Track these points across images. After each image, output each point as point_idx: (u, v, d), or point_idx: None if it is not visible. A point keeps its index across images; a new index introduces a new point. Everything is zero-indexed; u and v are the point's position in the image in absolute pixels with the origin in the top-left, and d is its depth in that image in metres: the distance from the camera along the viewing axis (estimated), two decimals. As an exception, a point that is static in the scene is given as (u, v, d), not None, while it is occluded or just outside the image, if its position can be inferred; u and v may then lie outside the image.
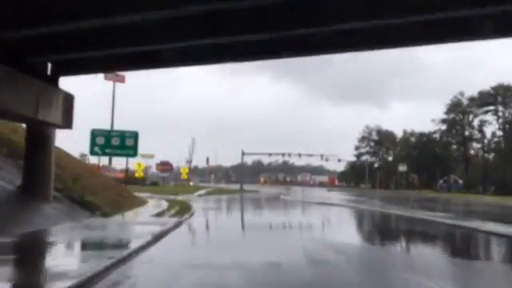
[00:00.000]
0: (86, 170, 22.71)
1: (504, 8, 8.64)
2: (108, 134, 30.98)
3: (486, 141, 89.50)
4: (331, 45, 11.31)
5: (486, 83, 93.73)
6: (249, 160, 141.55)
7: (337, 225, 18.68)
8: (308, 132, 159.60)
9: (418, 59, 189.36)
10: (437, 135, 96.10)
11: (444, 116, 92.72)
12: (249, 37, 10.28)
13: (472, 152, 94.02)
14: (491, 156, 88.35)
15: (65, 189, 15.58)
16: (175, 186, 75.93)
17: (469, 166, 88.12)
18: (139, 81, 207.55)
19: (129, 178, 75.37)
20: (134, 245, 8.82)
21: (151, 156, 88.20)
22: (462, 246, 13.47)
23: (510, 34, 10.45)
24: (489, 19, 9.33)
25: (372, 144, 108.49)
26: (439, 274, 7.95)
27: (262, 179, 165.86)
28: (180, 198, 39.19)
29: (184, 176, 53.98)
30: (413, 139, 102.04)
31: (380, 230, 16.80)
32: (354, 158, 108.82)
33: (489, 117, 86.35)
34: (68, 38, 10.88)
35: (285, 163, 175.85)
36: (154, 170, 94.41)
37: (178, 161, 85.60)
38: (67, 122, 14.50)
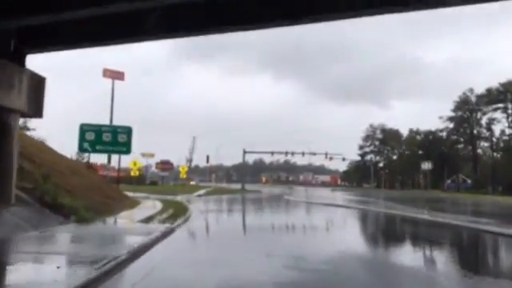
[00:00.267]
0: (70, 167, 20.24)
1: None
2: (98, 130, 28.47)
3: (494, 139, 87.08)
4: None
5: (487, 83, 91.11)
6: (250, 159, 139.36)
7: (353, 230, 16.16)
8: (309, 132, 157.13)
9: (419, 59, 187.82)
10: (443, 133, 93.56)
11: (451, 114, 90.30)
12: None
13: (480, 151, 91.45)
14: (499, 155, 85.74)
15: (35, 189, 13.10)
16: (174, 185, 73.62)
17: (477, 165, 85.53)
18: (140, 80, 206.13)
19: (125, 178, 73.16)
20: (90, 273, 6.14)
21: (151, 155, 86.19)
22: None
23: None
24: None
25: (376, 143, 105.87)
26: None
27: (263, 179, 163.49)
28: (178, 198, 36.74)
29: (183, 175, 51.56)
30: (418, 138, 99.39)
31: (409, 239, 14.29)
32: (356, 158, 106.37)
33: (498, 114, 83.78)
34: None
35: (286, 162, 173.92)
36: (154, 169, 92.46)
37: (179, 160, 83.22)
38: (35, 109, 12.02)
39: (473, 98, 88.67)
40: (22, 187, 12.73)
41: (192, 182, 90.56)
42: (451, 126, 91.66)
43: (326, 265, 8.03)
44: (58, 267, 6.30)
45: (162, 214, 16.98)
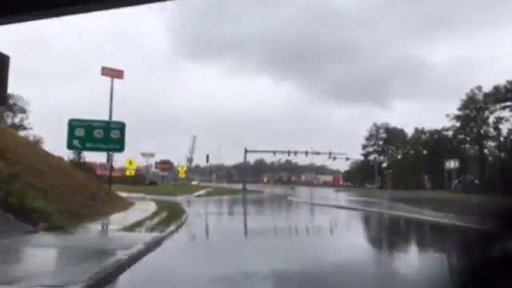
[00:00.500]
0: (53, 165, 18.15)
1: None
2: (89, 125, 26.47)
3: (502, 139, 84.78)
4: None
5: (490, 83, 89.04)
6: (251, 159, 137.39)
7: (376, 239, 14.05)
8: (310, 132, 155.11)
9: (421, 59, 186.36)
10: (449, 132, 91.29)
11: (457, 112, 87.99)
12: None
13: (486, 151, 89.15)
14: (506, 155, 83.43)
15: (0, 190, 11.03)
16: (174, 185, 71.58)
17: (485, 166, 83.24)
18: (141, 80, 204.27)
19: (123, 178, 71.21)
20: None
21: (152, 155, 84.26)
22: None
23: None
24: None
25: (380, 142, 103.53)
26: None
27: (265, 179, 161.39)
28: (175, 199, 34.69)
29: (182, 175, 49.55)
30: (423, 137, 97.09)
31: (437, 247, 12.21)
32: (358, 157, 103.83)
33: (506, 113, 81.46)
34: None
35: (288, 162, 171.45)
36: (154, 169, 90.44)
37: (180, 160, 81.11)
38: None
39: (480, 97, 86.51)
40: (-17, 188, 10.68)
41: (194, 182, 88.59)
42: (457, 124, 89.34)
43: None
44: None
45: (153, 218, 14.91)
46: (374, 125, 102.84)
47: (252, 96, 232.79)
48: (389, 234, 15.25)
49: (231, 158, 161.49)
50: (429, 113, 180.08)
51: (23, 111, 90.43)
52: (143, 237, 9.86)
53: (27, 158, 15.85)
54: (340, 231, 14.87)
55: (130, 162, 35.68)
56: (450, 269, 9.18)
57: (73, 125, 26.24)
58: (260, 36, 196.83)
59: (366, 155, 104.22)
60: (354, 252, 10.56)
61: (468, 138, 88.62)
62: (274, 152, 69.63)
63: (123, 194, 35.01)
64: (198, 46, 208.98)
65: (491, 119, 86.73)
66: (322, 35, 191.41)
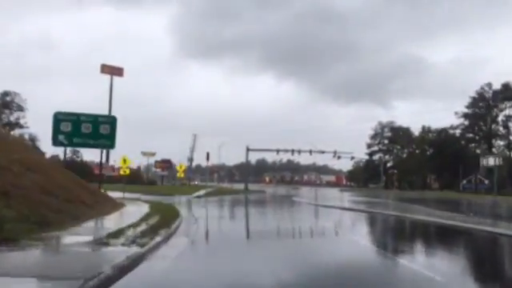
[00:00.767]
0: (28, 163, 15.74)
1: None
2: (76, 119, 24.02)
3: (511, 137, 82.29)
4: None
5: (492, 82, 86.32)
6: (252, 159, 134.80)
7: (405, 251, 11.58)
8: (312, 131, 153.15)
9: (422, 59, 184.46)
10: (457, 131, 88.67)
11: (466, 110, 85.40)
12: None
13: (494, 150, 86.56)
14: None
15: None
16: (173, 185, 69.26)
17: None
18: (142, 80, 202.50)
19: (121, 177, 68.89)
20: None
21: (152, 154, 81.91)
22: None
23: None
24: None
25: (385, 141, 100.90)
26: None
27: (267, 178, 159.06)
28: (172, 200, 32.32)
29: (180, 174, 47.05)
30: (430, 136, 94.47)
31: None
32: (361, 157, 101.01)
33: (515, 111, 79.00)
34: None
35: (289, 162, 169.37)
36: (155, 169, 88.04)
37: (181, 160, 78.64)
38: None
39: (489, 94, 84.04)
40: None
41: (196, 182, 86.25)
42: (466, 123, 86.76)
43: None
44: None
45: (140, 224, 12.49)
46: (379, 123, 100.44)
47: (254, 95, 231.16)
48: (421, 244, 12.77)
49: (232, 157, 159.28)
50: (431, 112, 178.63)
51: (21, 109, 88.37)
52: (119, 253, 7.43)
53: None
54: (357, 239, 12.46)
55: (125, 160, 33.29)
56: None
57: (58, 118, 23.81)
58: (262, 36, 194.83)
59: (370, 154, 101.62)
60: (377, 266, 8.20)
61: (477, 137, 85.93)
62: (277, 151, 67.16)
63: (117, 195, 32.68)
64: (200, 45, 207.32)
65: (500, 117, 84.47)
66: (323, 35, 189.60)
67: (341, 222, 19.09)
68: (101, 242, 8.58)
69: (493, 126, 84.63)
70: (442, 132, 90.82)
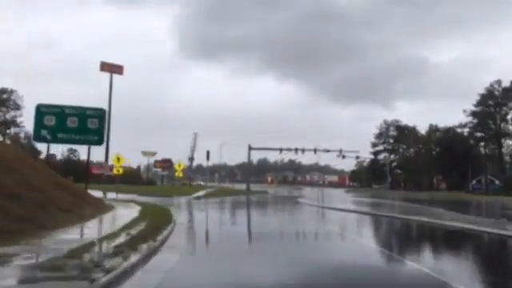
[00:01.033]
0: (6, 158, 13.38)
1: None
2: (61, 112, 21.69)
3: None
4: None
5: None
6: (254, 159, 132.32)
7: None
8: (314, 132, 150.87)
9: (425, 59, 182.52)
10: (465, 130, 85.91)
11: (474, 108, 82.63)
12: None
13: (503, 150, 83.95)
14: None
15: None
16: (172, 185, 67.01)
17: (504, 165, 78.06)
18: (144, 80, 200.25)
19: (121, 177, 66.53)
20: None
21: (153, 154, 79.50)
22: None
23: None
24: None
25: (390, 140, 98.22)
26: None
27: (269, 179, 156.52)
28: (169, 201, 29.93)
29: (179, 174, 44.47)
30: (437, 134, 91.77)
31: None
32: (364, 157, 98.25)
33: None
34: None
35: (291, 162, 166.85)
36: (156, 168, 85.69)
37: (182, 160, 76.14)
38: None
39: (497, 92, 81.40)
40: None
41: (200, 182, 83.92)
42: (474, 121, 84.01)
43: None
44: None
45: (119, 234, 10.07)
46: (384, 122, 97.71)
47: (255, 96, 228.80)
48: (469, 260, 10.29)
49: (234, 157, 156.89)
50: (433, 112, 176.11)
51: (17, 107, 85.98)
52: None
53: None
54: (383, 250, 10.07)
55: (118, 159, 30.87)
56: None
57: (41, 111, 21.50)
58: (263, 36, 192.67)
59: (375, 153, 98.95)
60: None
61: (485, 136, 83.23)
62: (280, 149, 64.65)
63: (111, 196, 30.39)
64: (201, 46, 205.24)
65: (510, 116, 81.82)
66: (325, 35, 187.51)
67: (361, 229, 16.66)
68: (46, 267, 6.12)
69: (502, 125, 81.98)
70: (450, 131, 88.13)
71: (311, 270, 7.53)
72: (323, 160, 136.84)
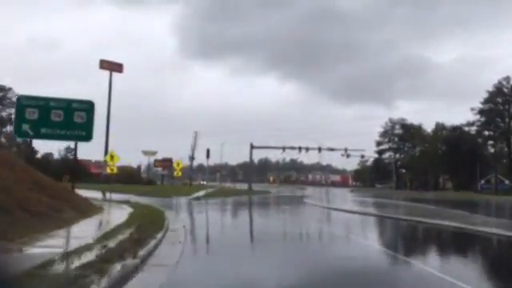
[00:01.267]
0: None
1: None
2: (45, 105, 19.64)
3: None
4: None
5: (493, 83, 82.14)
6: (255, 158, 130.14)
7: None
8: (315, 132, 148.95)
9: (427, 59, 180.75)
10: (473, 128, 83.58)
11: (482, 106, 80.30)
12: None
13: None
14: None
15: None
16: (172, 185, 65.02)
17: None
18: (145, 80, 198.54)
19: (121, 176, 64.49)
20: None
21: (153, 153, 77.42)
22: None
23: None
24: None
25: (396, 139, 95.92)
26: None
27: (271, 178, 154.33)
28: (167, 202, 27.94)
29: (178, 173, 42.51)
30: (444, 133, 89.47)
31: None
32: (369, 155, 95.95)
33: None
34: None
35: (292, 162, 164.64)
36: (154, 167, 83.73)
37: (182, 159, 74.02)
38: None
39: (506, 90, 79.11)
40: None
41: (204, 182, 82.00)
42: (482, 119, 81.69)
43: None
44: None
45: (92, 248, 7.99)
46: (390, 120, 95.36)
47: (256, 95, 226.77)
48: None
49: (235, 157, 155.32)
50: (435, 112, 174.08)
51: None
52: None
53: None
54: (418, 264, 8.03)
55: (112, 157, 28.82)
56: None
57: (22, 103, 19.47)
58: (265, 36, 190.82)
59: (380, 152, 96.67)
60: None
61: (493, 134, 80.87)
62: (284, 148, 62.54)
63: (101, 196, 28.43)
64: (203, 45, 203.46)
65: (519, 113, 79.48)
66: (327, 35, 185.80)
67: (384, 236, 14.57)
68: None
69: (511, 123, 79.67)
70: (457, 129, 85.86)
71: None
72: (325, 159, 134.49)
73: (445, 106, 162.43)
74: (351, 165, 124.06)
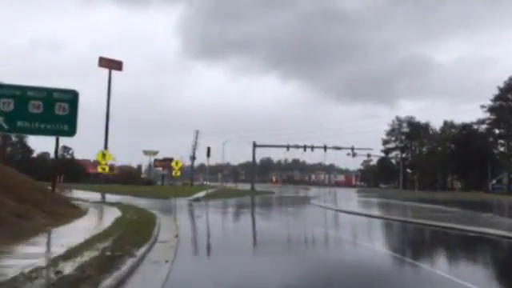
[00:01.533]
0: None
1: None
2: (22, 94, 17.26)
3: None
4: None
5: (498, 82, 79.51)
6: (257, 158, 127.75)
7: None
8: (317, 131, 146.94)
9: (429, 59, 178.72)
10: (482, 127, 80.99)
11: (492, 103, 77.63)
12: None
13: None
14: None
15: None
16: (171, 185, 62.78)
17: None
18: (147, 79, 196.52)
19: (121, 176, 62.02)
20: None
21: (154, 153, 75.09)
22: None
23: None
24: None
25: (403, 138, 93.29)
26: None
27: (273, 178, 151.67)
28: (164, 204, 25.59)
29: (176, 173, 40.22)
30: (453, 131, 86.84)
31: None
32: (375, 155, 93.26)
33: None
34: None
35: (295, 162, 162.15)
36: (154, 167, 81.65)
37: (183, 159, 71.68)
38: None
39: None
40: None
41: (207, 182, 79.76)
42: (491, 117, 79.06)
43: None
44: None
45: (42, 272, 5.62)
46: (397, 118, 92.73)
47: (258, 95, 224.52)
48: None
49: (237, 156, 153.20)
50: (436, 111, 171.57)
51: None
52: None
53: None
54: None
55: (104, 155, 26.41)
56: None
57: (-5, 93, 17.05)
58: (267, 36, 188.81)
59: (386, 151, 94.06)
60: None
61: (507, 132, 78.16)
62: (288, 147, 60.06)
63: (96, 197, 26.21)
64: (205, 45, 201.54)
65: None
66: (329, 35, 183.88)
67: (419, 249, 12.09)
68: None
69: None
70: (466, 127, 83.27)
71: None
72: (327, 159, 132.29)
73: (449, 104, 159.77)
74: (354, 165, 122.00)
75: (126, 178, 62.74)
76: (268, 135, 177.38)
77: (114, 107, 52.92)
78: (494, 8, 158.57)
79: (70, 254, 7.33)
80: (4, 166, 16.34)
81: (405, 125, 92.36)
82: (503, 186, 68.57)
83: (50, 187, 18.24)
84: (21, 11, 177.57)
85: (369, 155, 73.61)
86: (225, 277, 7.00)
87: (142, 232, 10.65)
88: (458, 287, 6.33)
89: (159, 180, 74.71)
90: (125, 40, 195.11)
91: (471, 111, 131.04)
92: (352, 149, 61.53)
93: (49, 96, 17.49)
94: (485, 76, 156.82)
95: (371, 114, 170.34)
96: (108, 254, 7.37)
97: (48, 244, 8.81)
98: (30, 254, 7.29)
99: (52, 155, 75.04)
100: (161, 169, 76.27)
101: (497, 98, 78.15)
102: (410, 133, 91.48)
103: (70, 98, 17.79)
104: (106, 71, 61.02)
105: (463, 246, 11.80)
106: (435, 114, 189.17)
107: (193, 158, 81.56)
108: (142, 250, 8.08)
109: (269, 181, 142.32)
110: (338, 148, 60.43)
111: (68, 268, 6.17)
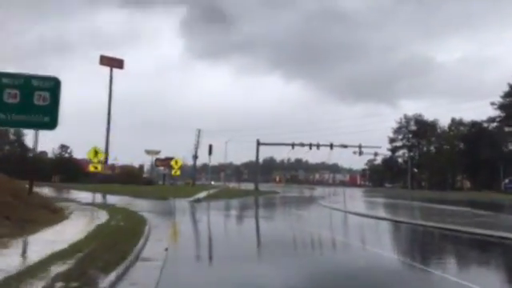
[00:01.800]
0: None
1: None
2: (-4, 82, 15.13)
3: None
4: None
5: (499, 82, 77.13)
6: (260, 157, 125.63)
7: None
8: (319, 131, 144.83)
9: (430, 58, 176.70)
10: (492, 124, 78.40)
11: (502, 101, 75.08)
12: None
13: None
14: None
15: None
16: (171, 184, 60.87)
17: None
18: (150, 80, 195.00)
19: (121, 176, 59.81)
20: None
21: (156, 152, 73.12)
22: None
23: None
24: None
25: (410, 136, 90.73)
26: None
27: (277, 177, 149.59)
28: (161, 206, 23.51)
29: (176, 172, 38.11)
30: (462, 129, 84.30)
31: None
32: (382, 153, 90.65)
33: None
34: None
35: (298, 161, 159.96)
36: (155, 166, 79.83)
37: (185, 158, 69.65)
38: None
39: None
40: None
41: (211, 182, 77.71)
42: (501, 115, 76.52)
43: None
44: None
45: None
46: (405, 116, 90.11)
47: (261, 95, 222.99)
48: None
49: (240, 156, 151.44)
50: (438, 108, 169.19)
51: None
52: None
53: None
54: None
55: (96, 153, 24.29)
56: None
57: (-34, 80, 14.94)
58: (269, 36, 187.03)
59: (393, 150, 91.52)
60: None
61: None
62: (293, 145, 57.79)
63: (95, 199, 24.18)
64: (208, 45, 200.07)
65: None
66: (331, 35, 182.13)
67: (467, 266, 9.92)
68: None
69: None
70: (476, 125, 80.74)
71: None
72: (331, 158, 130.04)
73: (451, 103, 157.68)
74: (359, 164, 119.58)
75: (127, 178, 60.88)
76: (271, 134, 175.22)
77: (117, 107, 51.46)
78: (495, 7, 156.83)
79: (11, 280, 5.16)
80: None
81: (412, 123, 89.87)
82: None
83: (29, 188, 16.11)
84: (24, 11, 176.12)
85: (376, 153, 71.17)
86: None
87: (123, 245, 8.48)
88: None
89: (161, 179, 72.82)
90: (128, 40, 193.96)
91: (473, 110, 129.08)
92: (359, 147, 59.23)
93: (27, 84, 15.34)
94: (487, 75, 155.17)
95: (374, 113, 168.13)
96: (58, 286, 5.20)
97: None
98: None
99: (50, 154, 73.53)
100: (162, 168, 74.31)
101: (507, 95, 75.63)
102: (418, 131, 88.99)
103: (51, 86, 15.63)
104: (108, 71, 59.91)
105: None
106: (437, 112, 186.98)
107: (195, 157, 79.48)
108: (111, 276, 5.88)
109: (272, 180, 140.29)
110: (345, 146, 58.15)
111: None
